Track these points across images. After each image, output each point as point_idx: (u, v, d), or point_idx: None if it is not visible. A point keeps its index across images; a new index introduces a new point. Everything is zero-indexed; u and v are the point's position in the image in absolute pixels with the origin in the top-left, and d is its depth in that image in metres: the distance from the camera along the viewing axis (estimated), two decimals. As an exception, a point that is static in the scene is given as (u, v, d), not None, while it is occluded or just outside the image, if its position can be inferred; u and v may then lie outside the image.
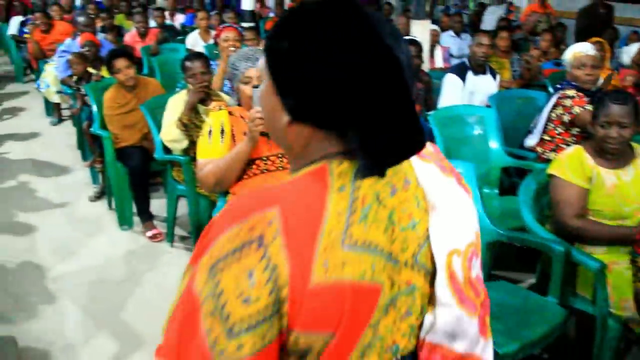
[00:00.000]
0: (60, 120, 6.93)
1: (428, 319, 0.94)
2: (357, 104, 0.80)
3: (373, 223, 0.84)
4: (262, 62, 0.92)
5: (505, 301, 2.48)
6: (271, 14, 9.35)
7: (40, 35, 7.26)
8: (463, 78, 4.19)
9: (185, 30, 7.97)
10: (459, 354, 0.96)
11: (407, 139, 0.82)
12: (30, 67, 8.35)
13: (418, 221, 0.91)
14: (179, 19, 8.79)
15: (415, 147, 0.84)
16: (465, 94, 4.19)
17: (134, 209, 4.14)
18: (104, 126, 4.18)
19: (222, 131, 2.61)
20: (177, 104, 3.54)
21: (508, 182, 3.91)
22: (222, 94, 3.70)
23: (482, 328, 0.97)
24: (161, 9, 7.95)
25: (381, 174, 0.85)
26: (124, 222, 4.15)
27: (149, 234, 3.98)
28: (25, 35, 7.66)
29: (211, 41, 6.50)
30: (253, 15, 7.14)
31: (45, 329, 3.08)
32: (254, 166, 2.56)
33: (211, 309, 0.77)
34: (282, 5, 9.21)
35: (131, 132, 4.07)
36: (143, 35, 6.88)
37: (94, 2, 9.15)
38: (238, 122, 2.65)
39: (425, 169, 0.95)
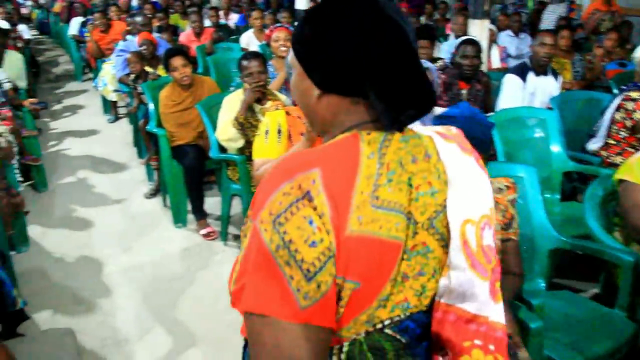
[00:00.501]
0: (117, 118, 7.08)
1: (443, 282, 1.02)
2: (373, 71, 0.95)
3: (396, 185, 0.95)
4: (290, 53, 1.06)
5: (570, 312, 2.38)
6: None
7: (98, 35, 7.43)
8: (524, 79, 4.06)
9: (240, 29, 8.03)
10: (470, 313, 1.03)
11: (419, 97, 0.98)
12: (89, 66, 8.57)
13: (437, 190, 1.01)
14: (234, 19, 8.85)
15: (426, 105, 0.99)
16: (525, 95, 4.06)
17: (189, 207, 4.18)
18: (160, 124, 4.23)
19: (279, 131, 2.60)
20: (233, 103, 3.54)
21: (569, 187, 3.77)
22: (279, 94, 3.68)
23: (492, 291, 1.05)
24: (216, 9, 8.01)
25: (400, 129, 0.98)
26: (179, 219, 4.19)
27: (203, 232, 4.00)
28: (86, 34, 7.85)
29: (265, 40, 6.53)
30: (307, 15, 7.11)
31: (101, 322, 3.13)
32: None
33: (286, 258, 0.87)
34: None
35: (186, 130, 4.11)
36: (198, 34, 6.96)
37: (151, 2, 9.30)
38: (295, 123, 2.63)
39: (447, 147, 1.06)
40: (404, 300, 0.99)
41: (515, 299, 2.05)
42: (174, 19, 8.90)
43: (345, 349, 0.98)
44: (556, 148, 3.57)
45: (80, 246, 3.99)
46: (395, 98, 0.96)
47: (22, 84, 5.87)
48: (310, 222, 0.88)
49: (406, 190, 0.96)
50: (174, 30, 7.62)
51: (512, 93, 4.06)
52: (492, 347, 1.04)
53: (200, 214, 4.06)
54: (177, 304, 3.28)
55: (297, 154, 0.98)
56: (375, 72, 0.95)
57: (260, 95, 3.49)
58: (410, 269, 0.98)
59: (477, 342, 1.04)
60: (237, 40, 6.83)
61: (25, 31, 9.15)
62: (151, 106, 4.38)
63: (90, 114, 7.43)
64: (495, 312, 1.06)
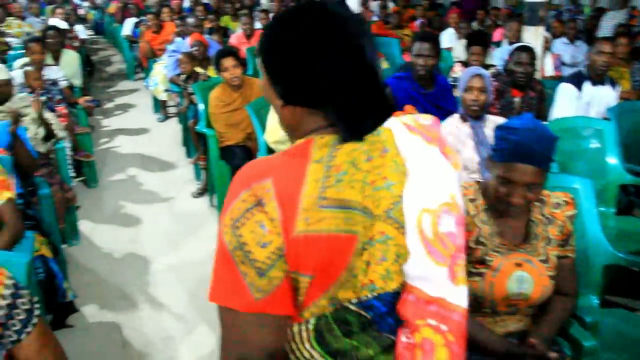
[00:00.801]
0: (167, 117, 7.20)
1: (405, 265, 1.10)
2: (330, 87, 1.03)
3: (348, 184, 1.04)
4: (258, 60, 1.12)
5: (624, 331, 2.29)
6: (375, 18, 9.28)
7: (151, 36, 7.58)
8: (579, 88, 3.95)
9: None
10: (429, 295, 1.10)
11: (375, 110, 1.07)
12: (141, 66, 8.74)
13: (394, 183, 1.09)
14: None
15: (384, 115, 1.08)
16: (581, 105, 3.94)
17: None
18: (209, 125, 4.27)
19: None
20: None
21: (625, 200, 3.65)
22: None
23: (451, 275, 1.11)
24: (266, 11, 8.07)
25: (359, 139, 1.07)
26: (225, 219, 4.21)
27: (248, 233, 4.00)
28: (142, 34, 8.01)
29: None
30: (357, 19, 7.10)
31: (147, 319, 3.17)
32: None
33: (242, 257, 1.00)
34: (386, 8, 9.15)
35: (235, 131, 4.14)
36: (249, 36, 7.02)
37: (202, 4, 9.43)
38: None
39: (409, 139, 1.13)
40: (370, 282, 1.09)
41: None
42: (225, 20, 9.00)
43: (312, 321, 1.09)
44: (612, 160, 3.45)
45: (128, 242, 4.06)
46: (352, 112, 1.04)
47: (78, 82, 6.02)
48: (262, 226, 1.00)
49: (360, 188, 1.05)
50: (225, 32, 7.70)
51: (567, 102, 3.95)
52: (444, 328, 1.11)
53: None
54: (221, 303, 3.30)
55: (254, 163, 1.09)
56: (332, 90, 1.03)
57: None
58: (371, 256, 1.07)
59: (431, 321, 1.11)
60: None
61: (81, 31, 9.39)
62: (201, 106, 4.43)
63: (140, 112, 7.57)
64: (455, 295, 1.12)
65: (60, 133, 4.08)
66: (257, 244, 1.00)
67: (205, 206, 4.62)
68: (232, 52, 4.21)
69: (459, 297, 1.12)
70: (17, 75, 4.52)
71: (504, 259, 1.81)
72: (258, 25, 7.62)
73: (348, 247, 1.04)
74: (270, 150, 3.68)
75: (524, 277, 1.80)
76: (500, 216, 1.84)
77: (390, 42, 6.80)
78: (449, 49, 6.38)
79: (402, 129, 1.14)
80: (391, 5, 10.02)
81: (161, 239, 4.10)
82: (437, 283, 1.11)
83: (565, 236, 1.88)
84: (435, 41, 3.57)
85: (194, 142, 5.01)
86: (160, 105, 7.19)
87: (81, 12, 14.59)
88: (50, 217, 3.28)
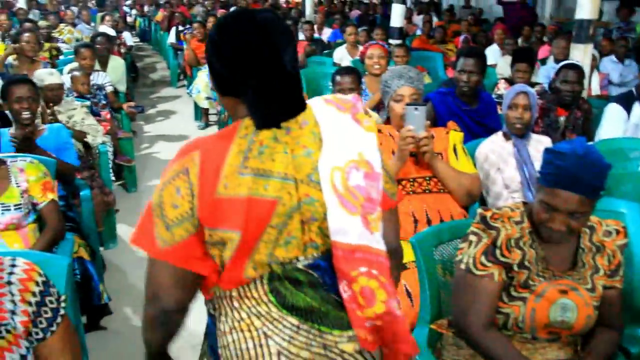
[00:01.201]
0: (207, 125, 7.27)
1: (327, 221, 1.25)
2: (247, 82, 1.22)
3: (269, 156, 1.22)
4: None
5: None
6: (418, 32, 9.25)
7: (196, 44, 7.68)
8: (628, 109, 3.82)
9: (332, 44, 8.09)
10: (352, 244, 1.24)
11: (288, 105, 1.26)
12: (184, 74, 8.87)
13: (313, 150, 1.26)
14: (327, 33, 8.94)
15: (294, 112, 1.27)
16: (629, 126, 3.82)
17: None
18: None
19: (370, 148, 2.55)
20: None
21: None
22: (371, 112, 3.65)
23: (365, 223, 1.26)
24: (310, 23, 8.11)
25: (276, 126, 1.25)
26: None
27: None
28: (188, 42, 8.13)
29: (358, 56, 6.52)
30: (401, 33, 7.08)
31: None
32: (399, 187, 2.48)
33: (158, 212, 1.24)
34: (430, 22, 9.10)
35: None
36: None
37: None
38: (386, 140, 2.58)
39: (324, 110, 1.30)
40: (311, 240, 1.27)
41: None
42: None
43: (265, 279, 1.27)
44: (661, 184, 3.33)
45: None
46: (265, 105, 1.23)
47: (122, 87, 6.14)
48: (178, 191, 1.22)
49: (281, 158, 1.23)
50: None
51: (614, 124, 3.83)
52: (375, 272, 1.26)
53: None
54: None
55: (191, 140, 1.29)
56: (250, 84, 1.22)
57: None
58: (303, 216, 1.25)
59: (362, 269, 1.25)
60: (330, 55, 6.88)
61: (128, 38, 9.60)
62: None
63: (182, 119, 7.67)
64: (375, 241, 1.27)
65: (99, 138, 4.13)
66: (171, 204, 1.23)
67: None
68: None
69: (378, 243, 1.28)
70: (65, 79, 4.62)
71: (549, 285, 1.74)
72: (301, 36, 7.65)
73: (268, 209, 1.21)
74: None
75: (568, 305, 1.73)
76: (547, 241, 1.77)
77: (434, 56, 6.75)
78: (493, 66, 6.29)
79: (319, 102, 1.33)
80: (435, 20, 9.97)
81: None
82: (355, 232, 1.25)
83: (614, 266, 1.80)
84: (480, 57, 3.51)
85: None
86: (201, 113, 7.27)
87: (129, 19, 14.95)
88: (89, 219, 3.32)
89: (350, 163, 1.26)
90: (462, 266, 1.79)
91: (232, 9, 11.05)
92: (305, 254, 1.27)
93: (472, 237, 1.79)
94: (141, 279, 3.62)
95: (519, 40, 7.74)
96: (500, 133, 3.00)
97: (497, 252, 1.74)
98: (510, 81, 4.57)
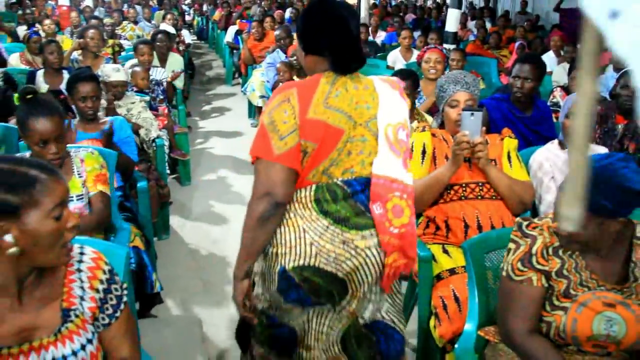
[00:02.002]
0: (260, 122, 7.33)
1: (375, 160, 1.83)
2: (328, 43, 1.81)
3: (342, 99, 1.78)
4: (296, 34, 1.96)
5: None
6: (471, 37, 9.15)
7: (252, 43, 7.80)
8: None
9: (387, 47, 8.08)
10: (392, 177, 1.80)
11: (355, 60, 1.85)
12: (239, 72, 9.00)
13: (371, 106, 1.84)
14: (381, 36, 8.94)
15: (358, 64, 1.86)
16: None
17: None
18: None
19: (423, 152, 2.57)
20: None
21: None
22: (426, 115, 3.65)
23: (404, 165, 1.84)
24: (364, 25, 8.12)
25: (345, 72, 1.83)
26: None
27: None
28: (245, 41, 8.25)
29: (412, 59, 6.51)
30: (455, 37, 7.02)
31: (227, 317, 3.24)
32: (452, 191, 2.48)
33: (271, 129, 1.73)
34: (485, 28, 8.99)
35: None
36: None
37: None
38: (440, 145, 2.59)
39: (381, 85, 1.89)
40: (351, 167, 1.82)
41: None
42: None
43: (313, 188, 1.81)
44: None
45: (215, 241, 4.18)
46: (341, 59, 1.82)
47: (180, 83, 6.27)
48: (285, 112, 1.74)
49: (348, 103, 1.80)
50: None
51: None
52: (405, 196, 1.81)
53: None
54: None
55: (289, 82, 1.89)
56: (330, 45, 1.81)
57: None
58: (353, 148, 1.81)
59: (397, 194, 1.80)
60: (384, 58, 6.88)
61: (187, 36, 9.81)
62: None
63: (236, 117, 7.79)
64: (408, 178, 1.84)
65: (153, 132, 4.24)
66: (281, 122, 1.74)
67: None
68: None
69: (410, 179, 1.84)
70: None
71: (593, 296, 1.72)
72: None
73: (337, 135, 1.78)
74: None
75: (615, 319, 1.69)
76: (595, 253, 1.75)
77: (488, 62, 6.68)
78: (549, 73, 6.18)
79: (377, 79, 1.92)
80: (489, 25, 9.84)
81: (246, 241, 4.19)
82: (397, 170, 1.82)
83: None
84: (536, 63, 3.46)
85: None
86: (255, 111, 7.36)
87: (188, 18, 15.26)
88: (145, 210, 3.42)
89: (399, 124, 1.86)
90: (504, 273, 1.80)
91: (288, 9, 11.19)
92: (344, 175, 1.82)
93: (511, 245, 1.81)
94: (191, 270, 3.72)
95: (579, 46, 7.55)
96: (556, 141, 2.96)
97: (533, 259, 1.75)
98: (566, 89, 4.49)
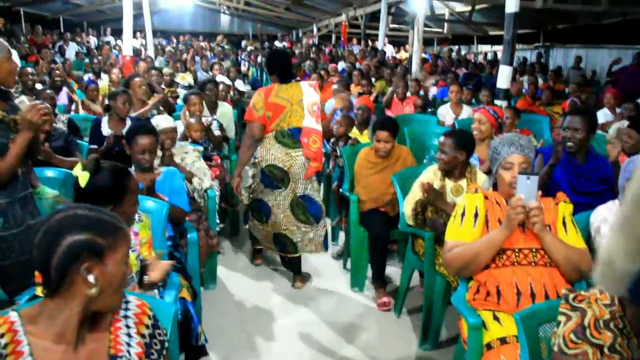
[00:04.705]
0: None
1: (302, 120, 4.05)
2: (279, 69, 4.10)
3: (284, 93, 4.01)
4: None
5: None
6: (524, 90, 9.05)
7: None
8: None
9: (438, 101, 8.10)
10: (312, 128, 4.07)
11: (289, 76, 4.13)
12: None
13: (300, 95, 4.04)
14: (433, 91, 8.97)
15: (291, 78, 4.12)
16: None
17: (369, 273, 4.19)
18: (352, 188, 4.33)
19: (476, 215, 2.52)
20: (428, 177, 3.56)
21: None
22: (479, 172, 3.61)
23: (317, 122, 4.09)
24: (417, 80, 8.18)
25: (284, 82, 4.07)
26: (356, 283, 4.22)
27: (379, 301, 3.95)
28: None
29: (462, 114, 6.49)
30: (507, 94, 6.99)
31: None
32: (504, 256, 2.42)
33: (252, 107, 4.06)
34: (536, 84, 8.87)
35: (375, 194, 4.14)
36: (402, 99, 7.14)
37: (358, 69, 9.77)
38: (493, 208, 2.54)
39: (306, 87, 4.11)
40: (290, 122, 3.99)
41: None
42: (380, 84, 9.25)
43: (274, 132, 3.99)
44: None
45: (260, 293, 4.18)
46: (283, 75, 4.05)
47: (232, 134, 6.38)
48: (258, 99, 3.99)
49: (286, 94, 4.00)
50: (376, 96, 7.92)
51: None
52: (317, 135, 4.07)
53: (379, 282, 4.02)
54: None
55: (260, 88, 4.17)
56: (278, 69, 4.06)
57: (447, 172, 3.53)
58: (292, 115, 3.99)
59: (313, 134, 4.04)
60: (434, 113, 6.88)
61: (241, 86, 10.05)
62: (346, 170, 4.52)
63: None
64: (318, 127, 4.08)
65: (206, 182, 4.31)
66: (257, 103, 3.97)
67: (337, 266, 4.66)
68: (391, 125, 4.24)
69: (320, 127, 4.08)
70: (180, 125, 4.89)
71: None
72: (408, 92, 7.72)
73: (282, 109, 3.96)
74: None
75: None
76: None
77: (540, 119, 6.60)
78: (604, 130, 6.05)
79: (305, 84, 4.13)
80: (540, 82, 9.75)
81: (292, 293, 4.19)
82: (313, 124, 4.03)
83: None
84: (586, 115, 3.48)
85: (337, 205, 5.07)
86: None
87: (243, 69, 15.68)
88: (194, 261, 3.45)
89: (314, 103, 4.06)
90: (555, 348, 1.71)
91: (340, 62, 11.39)
92: (288, 126, 3.97)
93: (561, 317, 1.72)
94: (236, 323, 3.72)
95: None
96: (617, 201, 2.86)
97: (587, 331, 1.66)
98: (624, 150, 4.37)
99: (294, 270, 4.34)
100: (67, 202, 2.74)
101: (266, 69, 4.22)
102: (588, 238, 2.79)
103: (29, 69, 6.12)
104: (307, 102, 3.97)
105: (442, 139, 3.56)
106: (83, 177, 2.27)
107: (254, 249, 4.67)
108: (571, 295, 1.71)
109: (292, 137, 3.94)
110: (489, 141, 4.22)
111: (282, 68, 4.03)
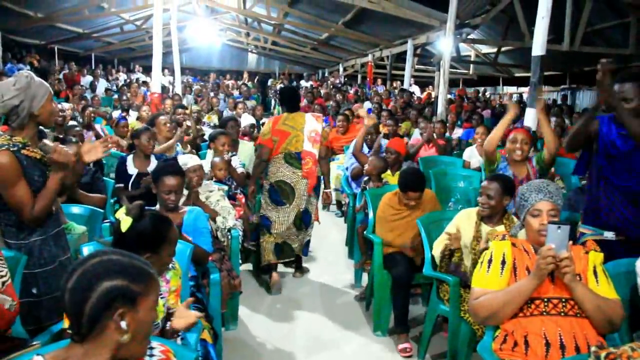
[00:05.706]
0: (342, 213, 7.34)
1: (303, 145, 4.98)
2: (286, 101, 5.17)
3: (290, 121, 4.98)
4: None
5: None
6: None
7: (335, 136, 7.95)
8: None
9: (463, 143, 8.06)
10: (309, 151, 4.99)
11: (296, 108, 5.14)
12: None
13: (303, 123, 5.00)
14: (458, 133, 8.94)
15: (297, 109, 5.15)
16: None
17: (392, 317, 4.10)
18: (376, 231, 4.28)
19: (503, 262, 2.47)
20: (461, 222, 3.54)
21: None
22: (516, 220, 3.55)
23: (315, 147, 5.01)
24: (442, 122, 8.16)
25: (291, 112, 5.07)
26: (379, 327, 4.13)
27: (401, 346, 3.86)
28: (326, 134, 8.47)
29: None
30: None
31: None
32: (532, 305, 2.35)
33: (261, 132, 5.21)
34: (562, 127, 8.81)
35: (401, 239, 4.10)
36: (428, 141, 7.14)
37: (387, 110, 9.82)
38: (521, 255, 2.49)
39: (310, 117, 5.10)
40: (295, 147, 4.94)
41: None
42: (406, 125, 9.26)
43: (281, 155, 4.94)
44: None
45: (282, 334, 4.12)
46: (290, 106, 5.05)
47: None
48: (267, 126, 5.04)
49: (292, 122, 4.96)
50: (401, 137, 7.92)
51: None
52: (312, 158, 4.98)
53: (402, 327, 3.93)
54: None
55: (272, 117, 5.53)
56: (286, 102, 5.11)
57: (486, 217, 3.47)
58: (296, 140, 4.94)
59: (309, 157, 4.96)
60: (459, 156, 6.84)
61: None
62: (371, 213, 4.49)
63: (309, 206, 7.83)
64: (315, 153, 4.99)
65: (230, 221, 4.31)
66: (265, 129, 5.03)
67: (360, 309, 4.59)
68: (421, 184, 4.17)
69: (314, 150, 4.99)
70: (206, 164, 4.92)
71: None
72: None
73: (287, 135, 4.91)
74: (436, 265, 3.60)
75: None
76: None
77: (567, 162, 6.51)
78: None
79: (309, 115, 5.13)
80: (568, 124, 9.66)
81: (314, 334, 4.12)
82: (309, 148, 4.95)
83: None
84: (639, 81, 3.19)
85: (360, 247, 5.02)
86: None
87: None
88: (216, 302, 3.43)
89: (314, 130, 4.97)
90: None
91: (366, 102, 11.46)
92: (293, 150, 4.92)
93: None
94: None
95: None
96: None
97: None
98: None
99: (296, 266, 5.39)
100: (105, 242, 2.73)
101: (278, 101, 5.23)
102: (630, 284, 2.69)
103: (59, 105, 6.27)
104: (308, 129, 4.94)
105: (486, 183, 3.49)
106: (126, 222, 2.29)
107: (261, 267, 5.17)
108: (602, 354, 1.66)
109: (297, 159, 4.91)
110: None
111: (291, 101, 5.06)
